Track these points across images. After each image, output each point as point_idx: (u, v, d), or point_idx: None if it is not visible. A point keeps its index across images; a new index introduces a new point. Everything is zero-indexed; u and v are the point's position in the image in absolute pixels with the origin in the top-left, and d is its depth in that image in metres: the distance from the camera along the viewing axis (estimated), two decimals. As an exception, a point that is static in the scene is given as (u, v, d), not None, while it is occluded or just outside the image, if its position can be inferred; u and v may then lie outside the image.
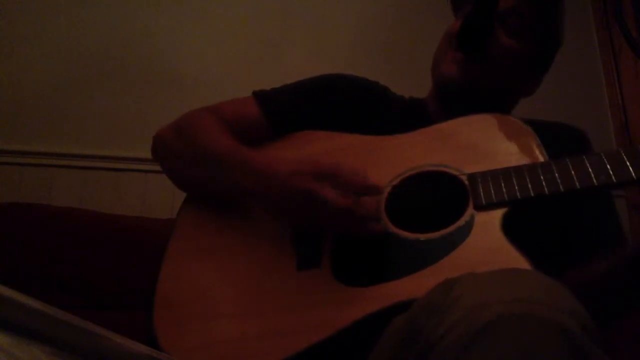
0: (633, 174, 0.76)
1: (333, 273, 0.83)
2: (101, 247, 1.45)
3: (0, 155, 1.78)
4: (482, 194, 0.82)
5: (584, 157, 0.81)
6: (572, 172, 0.79)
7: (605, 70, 2.24)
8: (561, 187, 0.79)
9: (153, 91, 1.94)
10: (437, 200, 0.87)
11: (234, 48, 2.05)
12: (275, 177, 0.86)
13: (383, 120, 1.06)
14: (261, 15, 2.10)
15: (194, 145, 0.98)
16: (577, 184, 0.78)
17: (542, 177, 0.80)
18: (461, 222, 0.81)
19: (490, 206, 0.81)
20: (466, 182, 0.85)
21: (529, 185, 0.80)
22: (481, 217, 0.80)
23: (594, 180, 0.77)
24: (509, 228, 0.78)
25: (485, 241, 0.78)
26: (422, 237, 0.82)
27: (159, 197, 1.76)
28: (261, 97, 1.07)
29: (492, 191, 0.82)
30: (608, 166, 0.78)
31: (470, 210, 0.82)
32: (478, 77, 1.02)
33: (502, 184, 0.82)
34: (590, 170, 0.78)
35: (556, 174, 0.80)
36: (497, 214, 0.79)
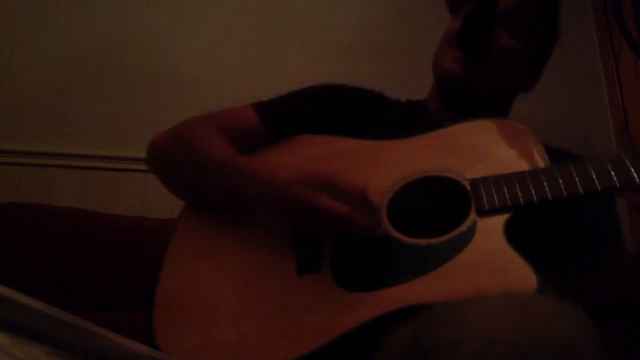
0: (637, 179, 0.76)
1: (333, 277, 0.83)
2: (101, 247, 1.45)
3: (0, 155, 1.78)
4: (484, 199, 0.81)
5: (587, 161, 0.81)
6: (576, 178, 0.79)
7: (605, 70, 2.24)
8: (564, 192, 0.78)
9: (153, 91, 1.94)
10: (439, 205, 0.86)
11: (234, 48, 2.05)
12: (273, 185, 0.87)
13: (381, 125, 1.06)
14: (261, 15, 2.10)
15: (192, 152, 0.98)
16: (580, 189, 0.78)
17: (545, 183, 0.80)
18: (463, 227, 0.80)
19: (492, 212, 0.80)
20: (468, 188, 0.85)
21: (532, 191, 0.80)
22: (484, 223, 0.80)
23: (597, 186, 0.77)
24: (512, 233, 0.78)
25: (488, 247, 0.77)
26: (424, 242, 0.81)
27: (159, 197, 1.75)
28: (259, 105, 1.08)
29: (495, 197, 0.81)
30: (612, 171, 0.77)
31: (472, 215, 0.81)
32: (479, 76, 1.03)
33: (505, 190, 0.81)
34: (593, 175, 0.78)
35: (559, 180, 0.79)
36: (500, 220, 0.79)
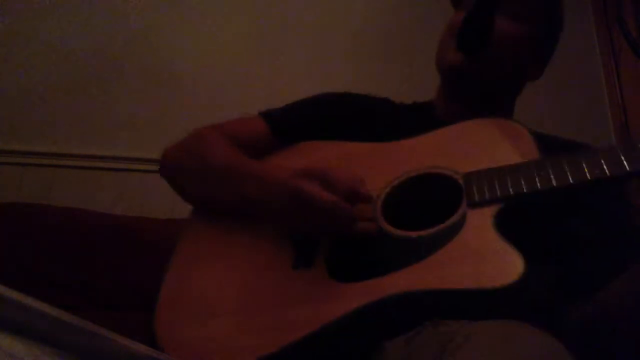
0: (627, 167, 0.76)
1: (327, 271, 0.85)
2: (101, 247, 1.45)
3: (0, 155, 1.78)
4: (475, 192, 0.83)
5: (578, 153, 0.81)
6: (566, 168, 0.79)
7: (605, 70, 2.24)
8: (554, 182, 0.79)
9: (152, 91, 1.94)
10: (434, 201, 0.88)
11: (233, 49, 2.05)
12: (274, 182, 0.89)
13: (387, 129, 1.07)
14: (261, 16, 2.10)
15: (200, 160, 1.01)
16: (570, 178, 0.78)
17: (535, 174, 0.81)
18: (453, 219, 0.82)
19: (483, 203, 0.81)
20: (461, 182, 0.86)
21: (522, 182, 0.81)
22: (473, 214, 0.81)
23: (587, 175, 0.77)
24: (507, 224, 0.78)
25: (476, 236, 0.78)
26: (414, 234, 0.82)
27: (159, 197, 1.75)
28: (267, 113, 1.10)
29: (486, 189, 0.82)
30: (602, 160, 0.78)
31: (463, 208, 0.82)
32: (482, 66, 1.03)
33: (496, 182, 0.82)
34: (583, 165, 0.78)
35: (549, 170, 0.80)
36: (490, 211, 0.80)
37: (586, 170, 0.78)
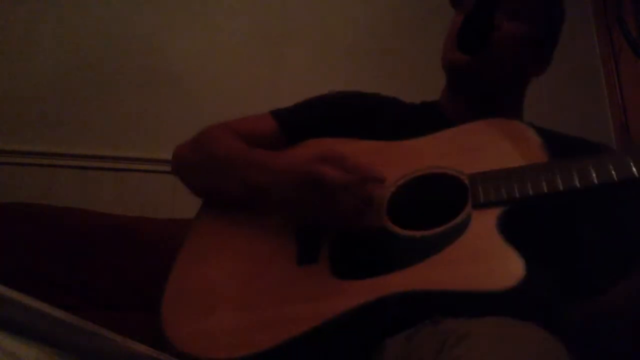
0: (635, 173, 0.76)
1: (330, 268, 0.85)
2: (101, 247, 1.45)
3: (0, 155, 1.78)
4: (481, 193, 0.83)
5: (586, 157, 0.81)
6: (573, 172, 0.79)
7: (605, 70, 2.24)
8: (560, 186, 0.79)
9: (153, 91, 1.94)
10: (440, 200, 0.87)
11: (234, 49, 2.05)
12: (280, 168, 0.91)
13: (395, 128, 1.07)
14: (261, 16, 2.10)
15: (204, 153, 1.03)
16: (577, 182, 0.78)
17: (542, 177, 0.80)
18: (458, 220, 0.82)
19: (488, 204, 0.81)
20: (466, 182, 0.86)
21: (529, 185, 0.80)
22: (478, 215, 0.81)
23: (595, 179, 0.77)
24: (511, 226, 0.78)
25: (479, 238, 0.78)
26: (418, 234, 0.83)
27: (159, 197, 1.75)
28: (277, 112, 1.11)
29: (491, 190, 0.82)
30: (610, 165, 0.77)
31: (468, 208, 0.82)
32: (485, 64, 1.03)
33: (502, 184, 0.82)
34: (591, 169, 0.78)
35: (557, 174, 0.80)
36: (494, 212, 0.80)
37: (594, 175, 0.77)
